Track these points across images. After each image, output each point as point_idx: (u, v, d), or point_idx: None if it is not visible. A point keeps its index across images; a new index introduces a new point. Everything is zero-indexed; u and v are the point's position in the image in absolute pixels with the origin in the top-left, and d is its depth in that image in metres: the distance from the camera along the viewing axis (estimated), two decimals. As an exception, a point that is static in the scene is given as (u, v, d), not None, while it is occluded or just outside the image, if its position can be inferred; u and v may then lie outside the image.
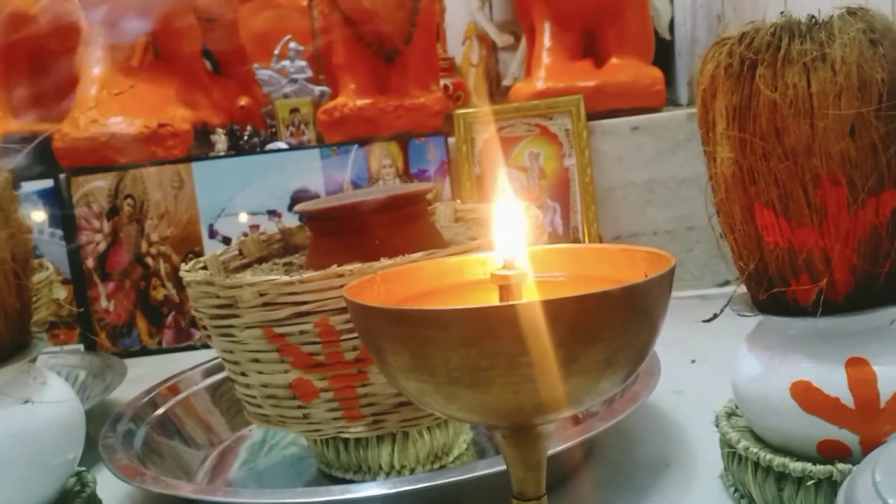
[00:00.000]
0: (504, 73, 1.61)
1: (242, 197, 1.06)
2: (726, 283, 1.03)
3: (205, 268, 0.69)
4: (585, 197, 1.04)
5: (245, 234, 1.08)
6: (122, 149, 1.03)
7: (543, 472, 0.35)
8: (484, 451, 0.66)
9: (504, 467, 0.35)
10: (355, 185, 1.07)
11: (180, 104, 1.13)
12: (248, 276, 0.57)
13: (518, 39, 1.58)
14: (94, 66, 1.10)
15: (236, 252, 0.75)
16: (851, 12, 0.46)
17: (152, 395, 0.74)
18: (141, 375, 0.85)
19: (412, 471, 0.62)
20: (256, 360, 0.58)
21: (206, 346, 1.05)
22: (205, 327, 0.62)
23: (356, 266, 0.54)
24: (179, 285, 1.06)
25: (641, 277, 0.32)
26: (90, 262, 1.04)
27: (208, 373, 0.79)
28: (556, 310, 0.28)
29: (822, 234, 0.45)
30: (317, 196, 1.07)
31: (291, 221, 1.07)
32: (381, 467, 0.62)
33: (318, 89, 1.30)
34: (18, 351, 0.52)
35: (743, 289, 0.52)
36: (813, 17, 0.47)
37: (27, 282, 0.53)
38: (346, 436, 0.60)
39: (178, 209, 1.05)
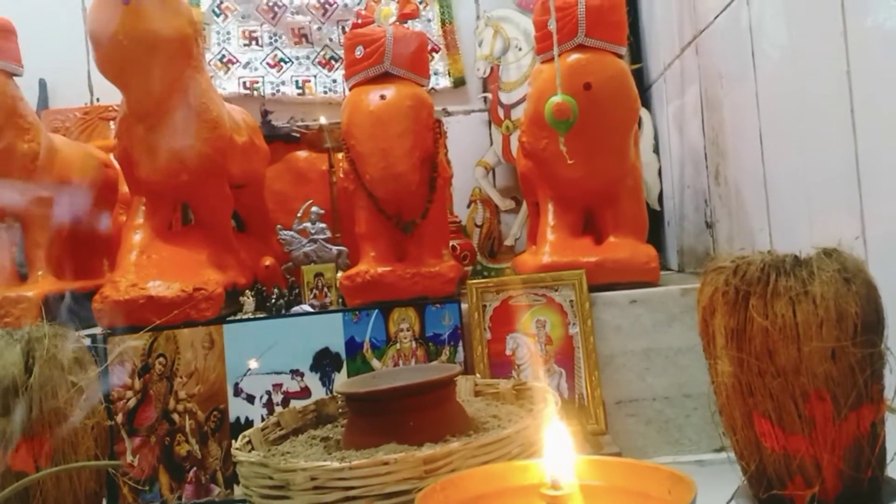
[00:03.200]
0: (506, 233, 1.73)
1: (268, 356, 1.13)
2: (723, 448, 1.09)
3: (250, 443, 0.75)
4: (589, 363, 1.11)
5: (267, 392, 1.14)
6: (158, 311, 1.10)
7: None
8: None
9: None
10: (374, 346, 1.14)
11: (212, 267, 1.22)
12: (300, 461, 0.63)
13: (519, 204, 1.71)
14: (134, 232, 1.19)
15: (275, 422, 0.81)
16: (827, 253, 0.56)
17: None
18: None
19: None
20: (303, 539, 0.63)
21: (226, 503, 1.09)
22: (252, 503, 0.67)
23: (400, 455, 0.60)
24: (202, 441, 1.11)
25: (665, 493, 0.39)
26: (119, 418, 1.09)
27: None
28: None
29: (813, 442, 0.52)
30: (338, 356, 1.14)
31: (312, 381, 1.14)
32: None
33: (335, 249, 1.40)
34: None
35: (744, 483, 0.59)
36: (795, 256, 0.57)
37: (105, 468, 0.59)
38: None
39: (207, 368, 1.12)
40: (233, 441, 1.11)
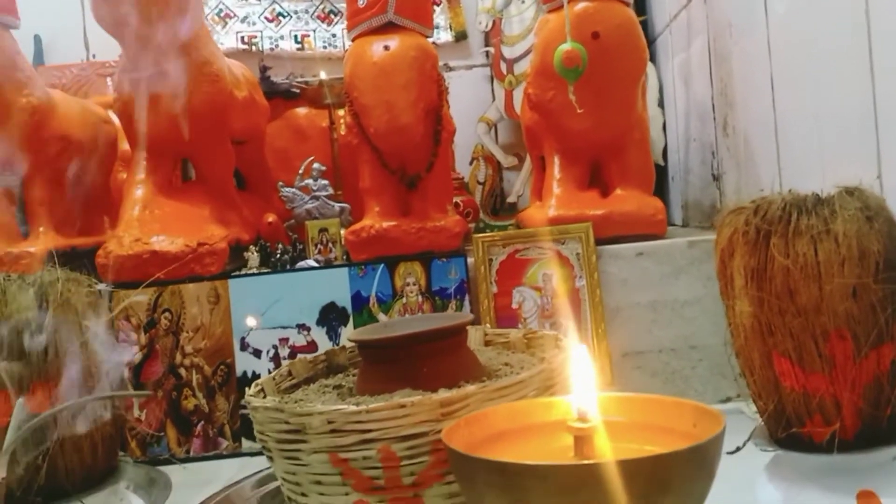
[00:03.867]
0: (508, 190, 1.72)
1: (274, 311, 1.13)
2: (728, 399, 1.09)
3: (262, 390, 0.75)
4: (595, 316, 1.11)
5: (274, 347, 1.14)
6: (163, 266, 1.10)
7: None
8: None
9: None
10: (380, 301, 1.14)
11: (215, 222, 1.21)
12: (317, 405, 0.63)
13: (521, 160, 1.70)
14: (136, 187, 1.18)
15: (286, 373, 0.81)
16: (849, 191, 0.56)
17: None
18: (176, 484, 0.89)
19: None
20: (319, 483, 0.64)
21: (234, 455, 1.10)
22: (268, 449, 0.67)
23: (417, 398, 0.60)
24: (210, 395, 1.11)
25: (690, 427, 0.39)
26: (125, 373, 1.09)
27: (259, 484, 0.84)
28: (639, 467, 0.35)
29: (833, 381, 0.52)
30: (344, 310, 1.14)
31: (319, 335, 1.14)
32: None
33: (338, 205, 1.39)
34: (110, 473, 0.57)
35: (761, 423, 0.59)
36: (816, 194, 0.56)
37: (122, 411, 0.59)
38: (399, 553, 0.64)
39: (213, 323, 1.12)
40: (240, 395, 1.12)
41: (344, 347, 0.87)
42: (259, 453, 1.07)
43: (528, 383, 0.63)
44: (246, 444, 1.10)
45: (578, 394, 0.42)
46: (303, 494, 0.66)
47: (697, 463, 0.36)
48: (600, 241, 1.13)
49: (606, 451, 0.39)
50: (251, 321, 1.12)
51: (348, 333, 1.13)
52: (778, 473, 0.56)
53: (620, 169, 1.20)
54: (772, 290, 0.54)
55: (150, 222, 1.15)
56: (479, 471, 0.38)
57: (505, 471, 0.37)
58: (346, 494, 0.63)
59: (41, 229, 1.19)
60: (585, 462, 0.37)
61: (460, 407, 0.60)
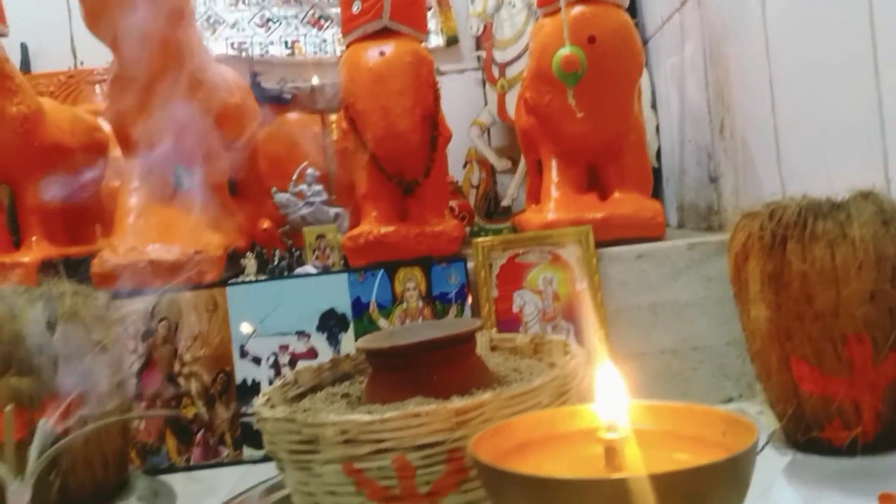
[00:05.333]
0: (502, 194, 1.71)
1: (273, 318, 1.12)
2: (730, 399, 1.10)
3: (270, 400, 0.74)
4: (596, 318, 1.11)
5: (274, 354, 1.13)
6: (159, 274, 1.08)
7: None
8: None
9: None
10: (380, 306, 1.13)
11: (211, 229, 1.20)
12: (330, 416, 0.62)
13: (515, 164, 1.69)
14: (131, 195, 1.17)
15: (293, 381, 0.80)
16: (864, 195, 0.56)
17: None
18: (180, 494, 0.88)
19: None
20: (333, 493, 0.63)
21: (236, 463, 1.08)
22: (279, 459, 0.66)
23: (431, 407, 0.60)
24: (209, 404, 1.10)
25: (720, 436, 0.39)
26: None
27: (267, 493, 0.84)
28: (676, 480, 0.34)
29: (852, 384, 0.52)
30: (344, 316, 1.13)
31: (319, 341, 1.13)
32: (441, 592, 0.66)
33: (332, 211, 1.38)
34: (120, 487, 0.56)
35: (778, 427, 0.59)
36: (831, 199, 0.57)
37: (129, 422, 0.58)
38: (415, 563, 0.64)
39: (211, 331, 1.10)
40: (240, 403, 1.11)
41: (349, 355, 0.86)
42: (261, 461, 1.07)
43: (543, 390, 0.63)
44: (247, 453, 1.09)
45: (606, 402, 0.41)
46: (316, 505, 0.65)
47: (734, 474, 0.36)
48: (600, 244, 1.13)
49: (638, 462, 0.39)
50: (246, 327, 1.11)
51: (348, 340, 1.13)
52: (797, 476, 0.56)
53: (618, 172, 1.20)
54: (789, 295, 0.54)
55: (145, 230, 1.14)
56: (511, 485, 0.37)
57: (542, 486, 0.36)
58: (361, 504, 0.62)
59: (34, 239, 1.17)
60: (622, 476, 0.36)
61: (475, 415, 0.60)
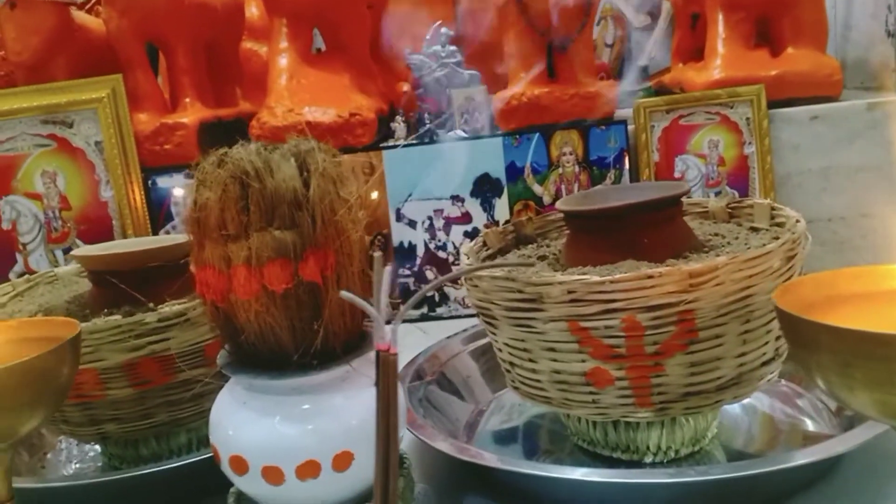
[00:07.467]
0: (638, 54, 1.62)
1: (427, 182, 1.11)
2: (903, 268, 1.05)
3: (471, 261, 0.75)
4: (765, 184, 1.07)
5: (429, 217, 1.13)
6: (316, 137, 1.08)
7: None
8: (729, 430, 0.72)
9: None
10: (535, 171, 1.11)
11: (359, 91, 1.18)
12: (557, 275, 0.61)
13: (654, 20, 1.59)
14: (281, 56, 1.15)
15: (482, 243, 0.80)
16: None
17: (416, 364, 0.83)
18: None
19: (676, 452, 0.68)
20: (552, 350, 0.63)
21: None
22: (491, 316, 0.67)
23: (665, 269, 0.58)
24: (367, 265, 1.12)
25: None
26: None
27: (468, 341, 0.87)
28: None
29: None
30: (498, 181, 1.11)
31: (473, 206, 1.12)
32: (648, 448, 0.68)
33: (467, 73, 1.34)
34: (363, 337, 0.57)
35: None
36: None
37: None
38: (630, 420, 0.65)
39: (368, 194, 1.11)
40: (397, 264, 1.13)
41: (531, 219, 0.85)
42: (418, 320, 1.10)
43: (776, 254, 0.61)
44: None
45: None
46: (531, 360, 0.66)
47: None
48: (771, 105, 1.07)
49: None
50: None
51: (502, 205, 1.12)
52: None
53: (792, 25, 1.11)
54: None
55: (298, 92, 1.13)
56: (850, 343, 0.36)
57: (858, 339, 0.35)
58: (583, 361, 0.62)
59: (187, 100, 1.18)
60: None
61: (710, 278, 0.58)
